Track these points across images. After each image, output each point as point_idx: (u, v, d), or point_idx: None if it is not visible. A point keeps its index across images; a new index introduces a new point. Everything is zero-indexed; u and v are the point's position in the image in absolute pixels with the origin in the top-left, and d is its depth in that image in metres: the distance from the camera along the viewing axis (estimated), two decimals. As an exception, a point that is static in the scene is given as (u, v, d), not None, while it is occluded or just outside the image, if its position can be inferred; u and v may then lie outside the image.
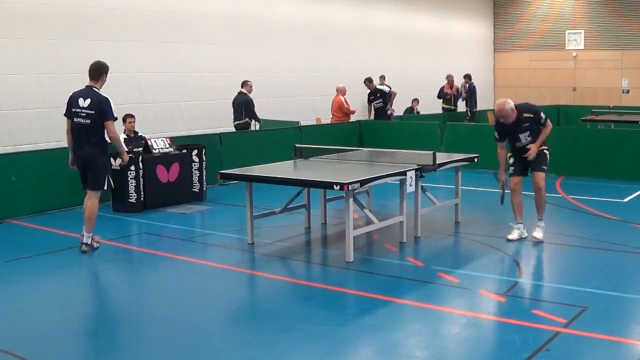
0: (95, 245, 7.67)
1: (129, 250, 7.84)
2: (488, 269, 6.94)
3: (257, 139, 13.20)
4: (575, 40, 24.52)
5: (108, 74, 7.64)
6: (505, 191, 7.96)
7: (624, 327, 5.31)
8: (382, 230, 8.06)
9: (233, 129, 14.36)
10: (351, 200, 7.02)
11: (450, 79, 19.08)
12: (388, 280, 6.54)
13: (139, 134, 10.73)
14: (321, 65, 17.99)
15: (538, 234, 7.68)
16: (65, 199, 9.93)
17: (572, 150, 12.53)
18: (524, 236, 7.83)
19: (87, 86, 7.54)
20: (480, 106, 20.25)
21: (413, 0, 21.65)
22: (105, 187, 7.74)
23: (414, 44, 21.56)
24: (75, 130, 7.51)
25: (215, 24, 15.33)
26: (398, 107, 18.95)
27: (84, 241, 7.55)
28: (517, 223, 7.87)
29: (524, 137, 7.67)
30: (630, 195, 10.54)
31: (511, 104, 7.60)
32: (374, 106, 16.54)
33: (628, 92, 23.66)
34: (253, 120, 13.91)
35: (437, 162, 7.92)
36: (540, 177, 7.66)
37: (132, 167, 9.62)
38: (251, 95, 13.92)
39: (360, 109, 17.23)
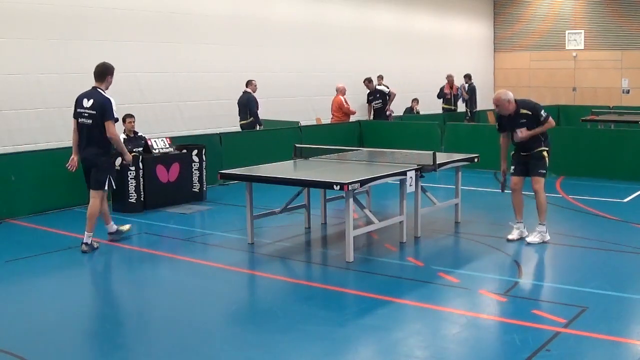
0: (95, 245, 7.68)
1: (129, 250, 7.84)
2: (488, 269, 6.94)
3: (257, 139, 13.20)
4: (575, 40, 24.52)
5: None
6: (506, 190, 7.97)
7: (624, 327, 5.31)
8: (382, 230, 8.06)
9: (233, 129, 14.38)
10: (351, 200, 7.02)
11: (450, 79, 19.08)
12: (388, 280, 6.54)
13: (139, 134, 10.73)
14: (321, 65, 17.99)
15: (532, 238, 7.66)
16: (65, 199, 9.94)
17: (572, 150, 12.53)
18: (524, 236, 7.83)
19: (92, 87, 7.64)
20: (480, 106, 20.26)
21: (413, 0, 21.65)
22: (107, 188, 7.74)
23: (414, 44, 21.56)
24: (80, 131, 7.63)
25: (215, 24, 15.33)
26: (398, 107, 18.95)
27: (84, 241, 7.57)
28: (517, 223, 7.88)
29: (519, 133, 7.69)
30: (630, 195, 10.55)
31: (509, 95, 7.62)
32: (374, 106, 16.54)
33: (628, 92, 23.67)
34: (252, 119, 13.95)
35: (437, 162, 7.92)
36: (537, 181, 7.66)
37: (132, 167, 9.62)
38: (255, 95, 13.98)
39: (360, 109, 17.23)
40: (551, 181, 11.66)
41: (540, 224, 7.67)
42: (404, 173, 7.51)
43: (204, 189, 10.67)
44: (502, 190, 8.02)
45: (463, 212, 8.85)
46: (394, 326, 5.34)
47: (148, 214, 9.64)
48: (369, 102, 16.68)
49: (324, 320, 5.48)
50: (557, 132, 13.49)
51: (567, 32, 24.68)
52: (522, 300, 6.01)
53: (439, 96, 19.40)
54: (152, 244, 8.08)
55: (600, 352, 4.84)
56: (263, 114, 14.73)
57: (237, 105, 14.09)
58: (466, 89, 19.21)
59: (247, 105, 13.88)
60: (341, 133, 14.69)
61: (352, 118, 15.88)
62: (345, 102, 15.60)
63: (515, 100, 7.65)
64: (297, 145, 9.26)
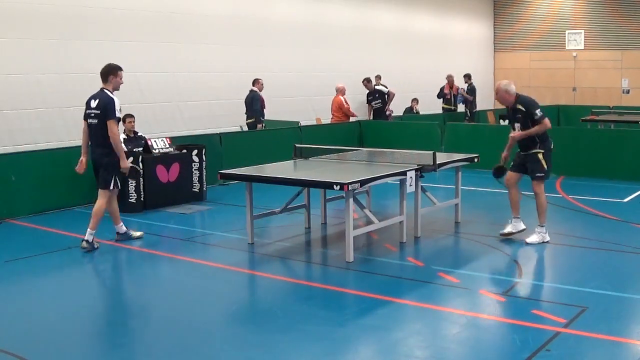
0: (96, 245, 7.68)
1: (129, 250, 7.83)
2: (488, 269, 6.94)
3: (257, 139, 13.21)
4: (575, 40, 24.51)
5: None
6: (499, 180, 8.04)
7: (624, 327, 5.31)
8: (382, 230, 8.06)
9: (233, 129, 14.40)
10: (351, 200, 7.02)
11: (450, 79, 19.09)
12: (388, 280, 6.54)
13: (139, 134, 10.73)
14: (321, 65, 17.98)
15: (531, 238, 7.66)
16: (65, 199, 9.94)
17: (572, 150, 12.52)
18: (519, 230, 7.84)
19: (100, 88, 7.72)
20: (480, 106, 20.26)
21: (413, 0, 21.65)
22: (112, 187, 7.77)
23: (414, 44, 21.56)
24: (89, 132, 7.75)
25: (215, 24, 15.33)
26: (397, 107, 18.94)
27: (86, 237, 7.60)
28: (512, 218, 7.90)
29: (517, 128, 7.71)
30: (630, 195, 10.55)
31: (509, 87, 7.63)
32: (373, 106, 16.54)
33: (628, 92, 23.67)
34: (259, 116, 14.00)
35: (437, 162, 7.92)
36: (535, 184, 7.67)
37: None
38: (261, 93, 14.01)
39: (359, 109, 17.23)
40: (551, 181, 11.65)
41: (539, 225, 7.67)
42: (404, 173, 7.51)
43: (204, 189, 10.67)
44: (495, 174, 8.00)
45: (463, 212, 8.85)
46: (394, 326, 5.34)
47: (148, 214, 9.64)
48: (369, 102, 16.68)
49: (324, 320, 5.48)
50: (557, 132, 13.49)
51: (567, 32, 24.68)
52: (522, 300, 6.01)
53: (439, 96, 19.40)
54: (152, 244, 8.07)
55: (600, 352, 4.84)
56: (264, 113, 14.76)
57: (243, 104, 14.16)
58: (465, 90, 19.21)
59: (251, 103, 13.94)
60: (341, 133, 14.69)
61: (352, 118, 15.88)
62: (345, 102, 15.60)
63: (517, 95, 7.65)
64: (297, 145, 9.26)
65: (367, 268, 6.90)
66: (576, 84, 24.60)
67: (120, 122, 9.23)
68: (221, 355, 4.93)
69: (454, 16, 23.77)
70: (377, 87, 16.86)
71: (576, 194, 10.64)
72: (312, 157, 9.06)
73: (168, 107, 14.37)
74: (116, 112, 7.56)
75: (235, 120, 15.18)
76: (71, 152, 10.37)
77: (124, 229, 8.07)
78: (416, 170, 7.65)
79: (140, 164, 9.82)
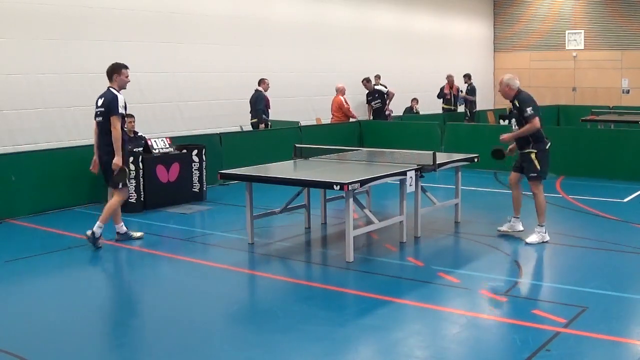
0: (99, 244, 7.70)
1: (129, 250, 7.83)
2: (488, 269, 6.93)
3: (257, 139, 13.21)
4: (575, 40, 24.52)
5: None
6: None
7: (624, 327, 5.31)
8: (382, 230, 8.06)
9: (233, 129, 14.41)
10: (351, 200, 7.02)
11: (450, 79, 19.09)
12: (388, 280, 6.54)
13: (139, 134, 10.73)
14: (321, 65, 17.98)
15: (530, 238, 7.67)
16: (65, 199, 9.94)
17: (572, 150, 12.53)
18: (516, 229, 7.91)
19: (107, 87, 7.82)
20: (480, 106, 20.27)
21: (413, 0, 21.65)
22: (121, 186, 7.82)
23: (414, 44, 21.56)
24: (96, 130, 7.83)
25: (215, 24, 15.33)
26: (397, 107, 18.95)
27: (93, 229, 7.66)
28: (512, 217, 7.97)
29: (514, 124, 7.77)
30: (630, 195, 10.55)
31: (511, 82, 7.65)
32: (373, 106, 16.53)
33: (628, 92, 23.67)
34: (264, 117, 14.01)
35: (437, 162, 7.92)
36: (531, 184, 7.70)
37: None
38: (266, 93, 14.05)
39: (359, 109, 17.23)
40: (551, 181, 11.66)
41: (539, 225, 7.67)
42: (404, 173, 7.51)
43: (204, 189, 10.67)
44: (493, 156, 8.07)
45: (463, 212, 8.85)
46: (394, 326, 5.34)
47: (148, 214, 9.64)
48: (368, 102, 16.68)
49: (324, 320, 5.48)
50: (557, 132, 13.57)
51: (567, 32, 24.68)
52: (522, 300, 6.01)
53: (439, 96, 19.40)
54: (152, 244, 8.07)
55: (600, 352, 4.84)
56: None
57: (248, 103, 14.24)
58: (465, 90, 19.21)
59: (255, 103, 13.97)
60: (341, 133, 14.69)
61: (352, 119, 15.87)
62: (345, 102, 15.60)
63: (519, 90, 7.66)
64: (297, 145, 9.26)
65: (367, 268, 6.90)
66: (576, 84, 24.60)
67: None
68: (221, 355, 4.93)
69: (454, 16, 23.77)
70: (376, 87, 16.86)
71: (576, 194, 10.64)
72: (312, 157, 9.06)
73: (168, 107, 14.38)
74: (119, 109, 7.61)
75: (235, 120, 15.18)
76: (71, 152, 10.41)
77: (124, 229, 8.07)
78: (416, 170, 7.65)
79: (140, 164, 9.82)
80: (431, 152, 8.01)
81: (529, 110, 7.45)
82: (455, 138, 13.98)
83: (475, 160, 8.93)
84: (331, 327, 5.30)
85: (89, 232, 7.66)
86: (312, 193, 8.58)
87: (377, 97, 16.41)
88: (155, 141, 10.24)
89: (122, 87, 7.83)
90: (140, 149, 10.22)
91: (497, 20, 26.14)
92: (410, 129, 15.29)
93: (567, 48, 24.73)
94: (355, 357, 4.88)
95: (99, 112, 7.74)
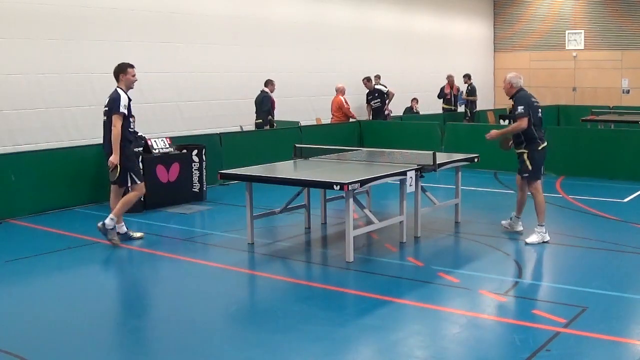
0: (115, 239, 7.79)
1: (129, 250, 7.83)
2: (488, 269, 6.94)
3: (257, 139, 13.21)
4: (575, 40, 24.51)
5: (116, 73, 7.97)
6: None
7: (624, 327, 5.31)
8: (382, 230, 8.06)
9: (233, 129, 14.41)
10: (351, 200, 7.02)
11: (450, 79, 19.09)
12: (388, 280, 6.54)
13: (139, 134, 10.70)
14: (321, 65, 17.98)
15: (530, 238, 7.68)
16: (65, 199, 9.94)
17: (572, 150, 12.54)
18: (515, 229, 8.03)
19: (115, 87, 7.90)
20: (480, 106, 20.27)
21: (413, 0, 21.65)
22: (130, 183, 7.87)
23: (414, 44, 21.56)
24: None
25: (215, 24, 15.33)
26: (397, 107, 18.95)
27: (105, 220, 7.74)
28: (514, 216, 8.11)
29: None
30: (630, 195, 10.55)
31: (514, 79, 7.74)
32: (372, 105, 16.52)
33: (628, 92, 23.67)
34: (270, 118, 14.02)
35: (437, 162, 7.92)
36: (528, 184, 7.76)
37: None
38: (272, 95, 14.10)
39: (359, 110, 17.23)
40: (551, 181, 11.67)
41: (539, 224, 7.67)
42: (404, 173, 7.51)
43: (204, 189, 10.67)
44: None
45: (463, 212, 8.85)
46: (394, 326, 5.34)
47: (148, 214, 9.64)
48: (368, 101, 16.67)
49: (324, 320, 5.48)
50: (557, 132, 13.57)
51: (567, 32, 24.68)
52: (522, 300, 6.01)
53: (439, 96, 19.40)
54: (152, 244, 8.07)
55: (600, 352, 4.84)
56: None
57: (253, 104, 14.27)
58: (465, 91, 19.21)
59: (262, 103, 13.97)
60: (341, 133, 14.69)
61: (352, 119, 15.87)
62: (345, 102, 15.60)
63: (520, 89, 7.74)
64: (297, 145, 9.26)
65: (367, 268, 6.90)
66: (576, 84, 24.60)
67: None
68: (221, 355, 4.93)
69: (454, 16, 23.77)
70: (376, 86, 16.85)
71: (576, 194, 10.64)
72: (312, 157, 9.06)
73: (168, 107, 14.37)
74: (120, 108, 7.64)
75: (235, 120, 15.18)
76: (71, 152, 10.41)
77: (124, 229, 8.07)
78: (416, 170, 7.65)
79: (140, 164, 9.79)
80: (431, 152, 8.01)
81: (520, 109, 7.55)
82: (455, 138, 13.98)
83: (475, 160, 8.93)
84: (331, 327, 5.30)
85: (99, 225, 7.76)
86: (312, 193, 8.58)
87: (377, 97, 16.40)
88: (155, 141, 10.24)
89: (129, 86, 7.89)
90: (140, 149, 10.21)
91: (497, 20, 26.14)
92: (410, 129, 15.29)
93: (567, 48, 24.72)
94: (355, 357, 4.88)
95: (104, 112, 7.82)
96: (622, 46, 23.69)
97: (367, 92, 16.66)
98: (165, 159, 10.16)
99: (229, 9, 15.70)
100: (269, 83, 14.27)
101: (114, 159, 7.68)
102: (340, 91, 15.57)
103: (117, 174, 7.77)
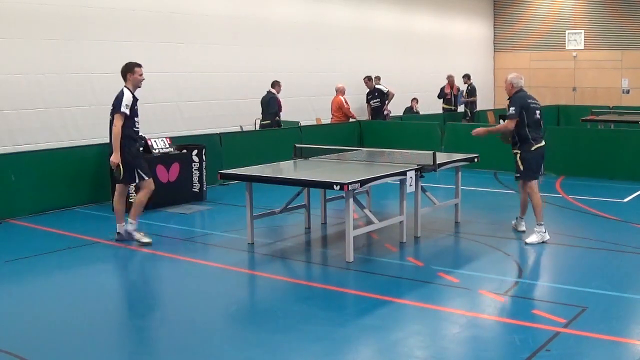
0: (145, 238, 7.80)
1: (129, 250, 7.83)
2: (488, 269, 6.94)
3: (257, 139, 13.21)
4: (575, 40, 24.51)
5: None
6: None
7: (624, 327, 5.31)
8: (382, 230, 8.06)
9: (233, 129, 14.41)
10: (351, 200, 7.02)
11: (451, 79, 19.08)
12: (388, 280, 6.54)
13: (140, 134, 10.71)
14: (321, 65, 17.98)
15: (530, 238, 7.69)
16: (65, 199, 9.94)
17: (572, 150, 12.54)
18: (518, 229, 8.11)
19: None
20: (480, 106, 20.26)
21: (413, 0, 21.65)
22: (138, 180, 7.87)
23: (414, 44, 21.55)
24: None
25: (215, 24, 15.33)
26: (397, 107, 18.94)
27: (127, 228, 7.81)
28: (518, 217, 8.19)
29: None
30: (630, 195, 10.55)
31: (515, 80, 7.81)
32: (372, 105, 16.52)
33: (628, 92, 23.67)
34: (277, 119, 14.03)
35: (437, 162, 7.92)
36: (523, 183, 7.83)
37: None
38: (279, 95, 14.14)
39: (359, 110, 17.23)
40: (551, 181, 11.68)
41: (537, 224, 7.69)
42: (404, 173, 7.51)
43: (204, 189, 10.67)
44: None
45: (463, 212, 8.85)
46: (394, 326, 5.34)
47: (148, 214, 9.61)
48: (368, 101, 16.67)
49: (324, 320, 5.48)
50: (557, 132, 13.57)
51: (567, 32, 24.68)
52: (522, 300, 6.01)
53: (439, 96, 19.39)
54: (152, 244, 8.07)
55: (600, 352, 4.84)
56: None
57: (260, 104, 14.28)
58: (463, 93, 19.19)
59: (269, 105, 13.97)
60: (341, 133, 14.69)
61: (351, 119, 15.87)
62: (345, 102, 15.60)
63: (519, 90, 7.78)
64: (297, 145, 9.26)
65: (367, 268, 6.90)
66: (576, 84, 24.60)
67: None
68: (221, 355, 4.93)
69: (454, 16, 23.77)
70: (377, 86, 16.85)
71: (576, 194, 10.64)
72: (312, 157, 9.06)
73: (168, 107, 14.37)
74: (121, 107, 7.60)
75: (235, 120, 15.18)
76: (71, 152, 10.42)
77: (124, 229, 8.07)
78: (416, 170, 7.65)
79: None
80: (431, 152, 8.01)
81: (511, 110, 7.66)
82: (455, 138, 13.98)
83: (475, 160, 8.94)
84: (331, 327, 5.30)
85: (121, 231, 7.81)
86: (312, 193, 8.58)
87: (377, 96, 16.40)
88: (155, 141, 10.24)
89: (136, 85, 7.85)
90: (141, 149, 10.20)
91: (497, 20, 26.13)
92: (410, 129, 15.29)
93: (567, 48, 24.72)
94: (355, 357, 4.88)
95: (110, 111, 7.80)
96: (622, 46, 23.69)
97: (367, 91, 16.66)
98: (165, 159, 10.16)
99: (229, 9, 15.70)
100: (275, 84, 14.26)
101: (114, 158, 7.67)
102: (340, 91, 15.56)
103: (122, 173, 7.75)
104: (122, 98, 7.64)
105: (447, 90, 19.11)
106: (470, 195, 10.15)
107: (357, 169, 8.28)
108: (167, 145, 10.33)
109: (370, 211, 7.97)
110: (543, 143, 7.78)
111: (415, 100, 19.77)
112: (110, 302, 6.38)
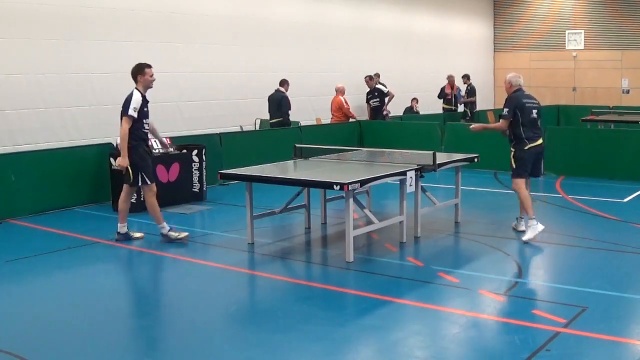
0: (179, 236, 7.90)
1: (129, 250, 7.83)
2: (488, 269, 6.94)
3: (257, 139, 13.21)
4: (575, 40, 24.51)
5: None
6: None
7: (624, 327, 5.31)
8: (382, 230, 8.06)
9: (233, 129, 14.40)
10: (351, 200, 7.02)
11: (451, 79, 19.08)
12: (388, 280, 6.54)
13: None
14: (321, 65, 17.98)
15: (526, 236, 7.72)
16: (65, 199, 9.94)
17: (572, 150, 12.54)
18: (518, 229, 8.11)
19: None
20: (480, 106, 20.26)
21: (413, 0, 21.65)
22: (141, 183, 7.86)
23: (414, 44, 21.55)
24: None
25: (215, 24, 15.33)
26: (397, 107, 18.93)
27: (161, 232, 7.90)
28: (518, 217, 8.19)
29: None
30: (630, 195, 10.55)
31: (514, 79, 7.93)
32: (371, 105, 16.51)
33: (628, 92, 23.67)
34: (287, 117, 14.04)
35: (437, 162, 7.92)
36: (512, 181, 7.95)
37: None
38: (287, 94, 14.15)
39: (359, 110, 17.22)
40: (551, 181, 11.68)
41: (529, 219, 7.74)
42: (404, 173, 7.51)
43: (204, 189, 10.67)
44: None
45: (463, 212, 8.85)
46: (394, 326, 5.34)
47: (148, 214, 9.62)
48: (367, 100, 16.66)
49: (324, 320, 5.48)
50: (557, 132, 13.57)
51: (567, 32, 24.68)
52: (522, 300, 6.01)
53: (439, 96, 19.39)
54: (152, 244, 8.07)
55: (600, 352, 4.84)
56: (263, 114, 14.77)
57: (267, 102, 14.26)
58: (465, 91, 19.20)
59: (280, 104, 13.95)
60: (341, 133, 14.69)
61: (351, 119, 15.86)
62: (345, 102, 15.60)
63: (517, 89, 7.86)
64: (297, 145, 9.26)
65: (367, 268, 6.91)
66: (576, 84, 24.60)
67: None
68: (221, 355, 4.93)
69: (454, 16, 23.77)
70: (377, 86, 16.83)
71: (576, 194, 10.64)
72: (312, 157, 9.06)
73: (168, 107, 14.35)
74: (130, 110, 7.58)
75: (235, 120, 15.18)
76: (71, 152, 10.42)
77: (125, 229, 8.07)
78: (416, 170, 7.65)
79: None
80: (431, 152, 8.01)
81: (505, 110, 7.82)
82: (455, 138, 13.98)
83: (475, 160, 8.94)
84: (331, 327, 5.30)
85: (163, 232, 7.89)
86: (312, 193, 8.58)
87: (377, 96, 16.38)
88: (155, 141, 10.21)
89: (147, 87, 7.80)
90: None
91: (497, 20, 26.13)
92: (410, 129, 15.28)
93: (567, 48, 24.72)
94: (355, 357, 4.88)
95: (120, 113, 7.76)
96: (622, 46, 23.69)
97: (367, 91, 16.65)
98: (165, 159, 10.16)
99: (229, 9, 15.70)
100: (284, 83, 14.27)
101: (121, 161, 7.67)
102: (340, 91, 15.56)
103: (131, 176, 7.74)
104: (129, 100, 7.60)
105: (448, 90, 19.10)
106: (470, 195, 10.15)
107: (357, 169, 8.28)
108: (167, 145, 10.31)
109: (370, 211, 7.97)
110: (539, 142, 7.81)
111: (415, 100, 19.77)
112: (110, 302, 6.37)
